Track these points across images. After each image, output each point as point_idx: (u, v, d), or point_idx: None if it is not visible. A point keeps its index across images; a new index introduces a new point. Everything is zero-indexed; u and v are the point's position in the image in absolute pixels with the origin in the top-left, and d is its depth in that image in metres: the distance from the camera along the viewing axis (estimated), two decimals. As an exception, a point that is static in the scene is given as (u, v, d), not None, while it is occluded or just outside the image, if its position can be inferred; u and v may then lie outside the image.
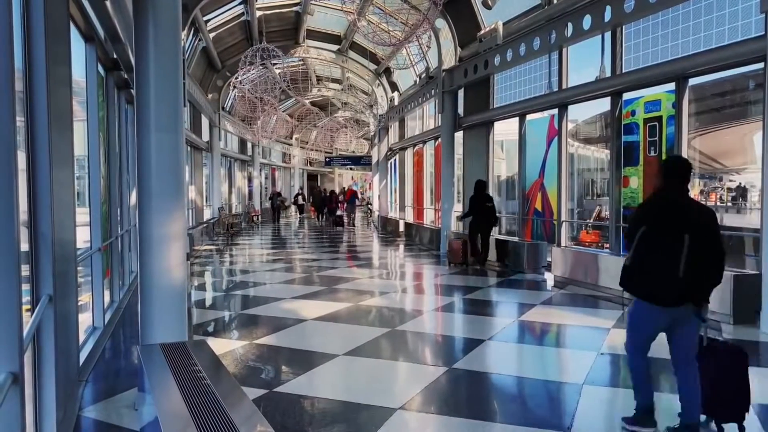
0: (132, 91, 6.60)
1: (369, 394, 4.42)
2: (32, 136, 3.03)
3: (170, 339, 3.84)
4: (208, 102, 19.14)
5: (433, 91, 15.36)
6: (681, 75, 7.74)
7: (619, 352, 5.08)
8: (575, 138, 13.28)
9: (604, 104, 9.72)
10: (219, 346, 5.52)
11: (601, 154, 13.94)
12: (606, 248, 10.15)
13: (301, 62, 22.43)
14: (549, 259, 10.14)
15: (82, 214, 5.52)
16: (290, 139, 38.11)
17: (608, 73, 9.25)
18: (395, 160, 22.87)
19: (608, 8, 8.57)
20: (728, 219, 12.01)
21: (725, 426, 3.57)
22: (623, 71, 8.99)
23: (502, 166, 15.91)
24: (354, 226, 24.69)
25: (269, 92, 19.23)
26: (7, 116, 2.15)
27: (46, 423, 3.05)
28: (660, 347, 3.79)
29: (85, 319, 5.68)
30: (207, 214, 19.99)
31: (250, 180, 29.18)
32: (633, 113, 9.24)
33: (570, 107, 10.47)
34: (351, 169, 41.72)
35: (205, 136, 19.97)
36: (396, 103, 20.54)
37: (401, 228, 19.10)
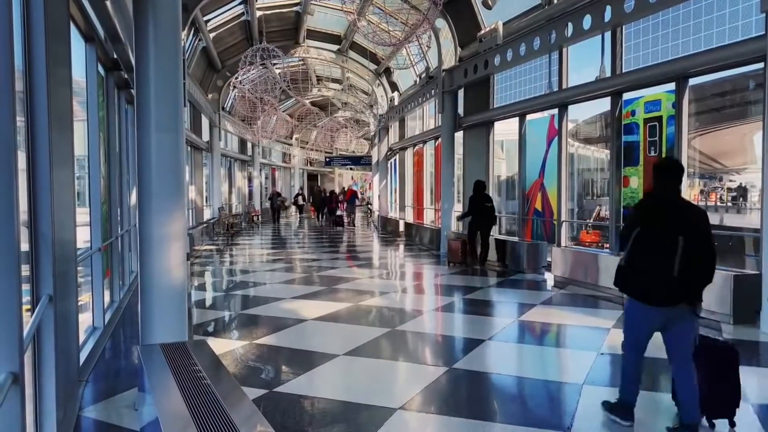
0: (132, 91, 6.60)
1: (369, 394, 4.42)
2: (32, 136, 3.03)
3: (170, 339, 3.84)
4: (208, 102, 19.14)
5: (433, 91, 15.36)
6: (681, 75, 7.74)
7: (619, 352, 5.05)
8: (575, 138, 13.28)
9: (604, 104, 9.72)
10: (219, 346, 5.53)
11: (601, 154, 13.94)
12: (606, 248, 10.15)
13: (301, 62, 22.43)
14: (549, 259, 10.14)
15: (82, 214, 5.52)
16: (290, 139, 38.12)
17: (608, 73, 9.25)
18: (395, 160, 22.87)
19: (608, 8, 8.57)
20: (728, 219, 12.00)
21: (716, 422, 3.64)
22: (623, 71, 8.99)
23: (502, 166, 15.91)
24: (354, 226, 24.70)
25: (269, 92, 19.23)
26: (7, 116, 2.15)
27: (46, 423, 3.06)
28: (660, 348, 3.79)
29: (85, 319, 5.68)
30: (207, 214, 20.00)
31: (250, 180, 29.19)
32: (633, 113, 9.25)
33: (570, 107, 10.47)
34: (351, 169, 41.72)
35: (205, 136, 19.98)
36: (396, 103, 20.54)
37: (401, 228, 19.10)
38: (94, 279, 5.90)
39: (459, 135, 14.14)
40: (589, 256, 8.96)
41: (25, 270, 2.79)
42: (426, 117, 18.72)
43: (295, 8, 17.50)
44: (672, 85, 8.04)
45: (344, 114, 31.14)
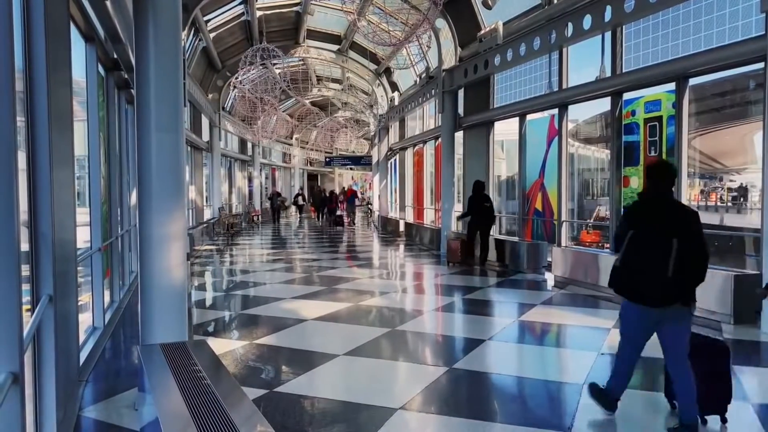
0: (132, 91, 6.60)
1: (369, 394, 4.42)
2: (32, 136, 3.03)
3: (170, 339, 3.84)
4: (208, 102, 19.14)
5: (433, 91, 15.36)
6: (681, 75, 7.74)
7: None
8: (575, 138, 13.26)
9: (604, 104, 9.72)
10: (219, 346, 5.53)
11: (601, 154, 13.92)
12: (606, 248, 10.14)
13: (301, 62, 22.43)
14: (549, 259, 10.14)
15: (82, 214, 5.52)
16: (290, 139, 38.12)
17: (608, 73, 9.25)
18: (395, 160, 22.87)
19: (608, 8, 8.57)
20: (728, 219, 11.99)
21: (708, 418, 3.70)
22: (623, 71, 8.99)
23: (502, 166, 15.89)
24: (354, 225, 24.70)
25: (269, 92, 19.23)
26: (7, 116, 2.15)
27: (47, 423, 3.05)
28: (659, 348, 3.79)
29: (85, 319, 5.68)
30: (207, 214, 20.00)
31: (250, 180, 29.19)
32: (633, 113, 9.24)
33: (570, 107, 10.47)
34: (351, 169, 41.72)
35: (206, 136, 19.98)
36: (396, 103, 20.54)
37: (401, 228, 19.10)
38: (94, 279, 5.90)
39: (459, 135, 14.14)
40: (590, 256, 8.95)
41: (25, 270, 2.79)
42: (426, 117, 18.72)
43: (295, 8, 17.50)
44: (672, 85, 8.05)
45: (344, 114, 31.14)
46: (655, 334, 3.73)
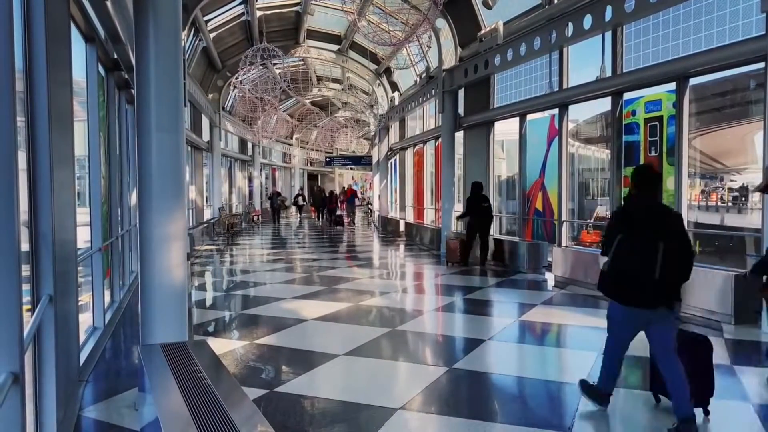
0: (132, 91, 6.60)
1: (369, 394, 4.41)
2: (33, 136, 3.03)
3: (171, 339, 3.84)
4: (208, 102, 19.14)
5: (433, 90, 15.36)
6: (682, 75, 7.74)
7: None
8: (576, 138, 13.26)
9: (604, 104, 9.72)
10: (219, 346, 5.53)
11: (601, 154, 13.92)
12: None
13: (302, 62, 22.43)
14: (549, 259, 10.13)
15: (82, 214, 5.52)
16: (290, 139, 38.12)
17: (609, 73, 9.25)
18: (395, 159, 22.87)
19: (609, 8, 8.56)
20: (729, 219, 11.99)
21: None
22: (624, 71, 8.99)
23: (502, 166, 15.89)
24: (354, 225, 24.69)
25: (269, 92, 19.23)
26: (7, 116, 2.15)
27: (47, 423, 3.06)
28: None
29: (85, 319, 5.68)
30: (207, 214, 20.00)
31: (250, 180, 29.19)
32: (633, 113, 9.24)
33: (570, 107, 10.47)
34: (351, 169, 41.71)
35: (206, 136, 19.98)
36: (396, 103, 20.53)
37: (401, 228, 19.10)
38: (94, 279, 5.91)
39: (459, 135, 14.14)
40: (590, 256, 8.95)
41: (25, 270, 2.79)
42: (426, 117, 18.72)
43: (295, 8, 17.50)
44: (672, 85, 8.04)
45: (344, 114, 31.13)
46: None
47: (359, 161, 31.40)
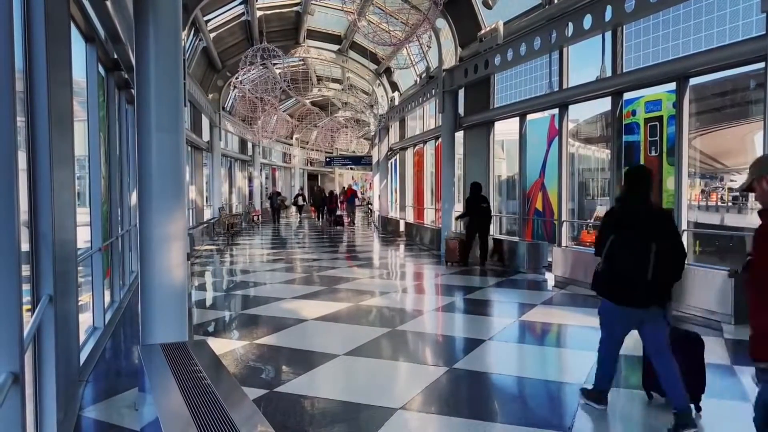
0: (132, 91, 6.60)
1: (369, 394, 4.41)
2: (33, 136, 3.03)
3: (171, 339, 3.84)
4: (208, 102, 19.14)
5: (433, 90, 15.35)
6: (682, 75, 7.74)
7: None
8: (576, 138, 13.26)
9: (604, 104, 9.71)
10: (219, 346, 5.53)
11: (601, 153, 13.92)
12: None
13: (302, 62, 22.43)
14: (549, 259, 10.13)
15: (82, 214, 5.52)
16: (291, 139, 38.12)
17: (609, 73, 9.24)
18: (396, 159, 22.87)
19: (609, 8, 8.56)
20: (729, 219, 12.00)
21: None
22: (624, 71, 8.98)
23: (502, 166, 15.88)
24: (354, 225, 24.69)
25: (269, 92, 19.22)
26: (7, 116, 2.15)
27: (47, 423, 3.05)
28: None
29: (85, 319, 5.68)
30: (207, 214, 20.00)
31: (250, 180, 29.19)
32: (634, 113, 9.24)
33: (570, 107, 10.47)
34: (351, 169, 41.70)
35: (206, 136, 19.98)
36: (396, 102, 20.53)
37: (402, 228, 19.10)
38: (94, 279, 5.91)
39: (459, 135, 14.13)
40: (590, 256, 8.89)
41: (25, 270, 2.79)
42: (426, 117, 18.72)
43: (295, 8, 17.50)
44: (672, 85, 8.04)
45: (344, 114, 31.13)
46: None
47: (359, 161, 31.40)
